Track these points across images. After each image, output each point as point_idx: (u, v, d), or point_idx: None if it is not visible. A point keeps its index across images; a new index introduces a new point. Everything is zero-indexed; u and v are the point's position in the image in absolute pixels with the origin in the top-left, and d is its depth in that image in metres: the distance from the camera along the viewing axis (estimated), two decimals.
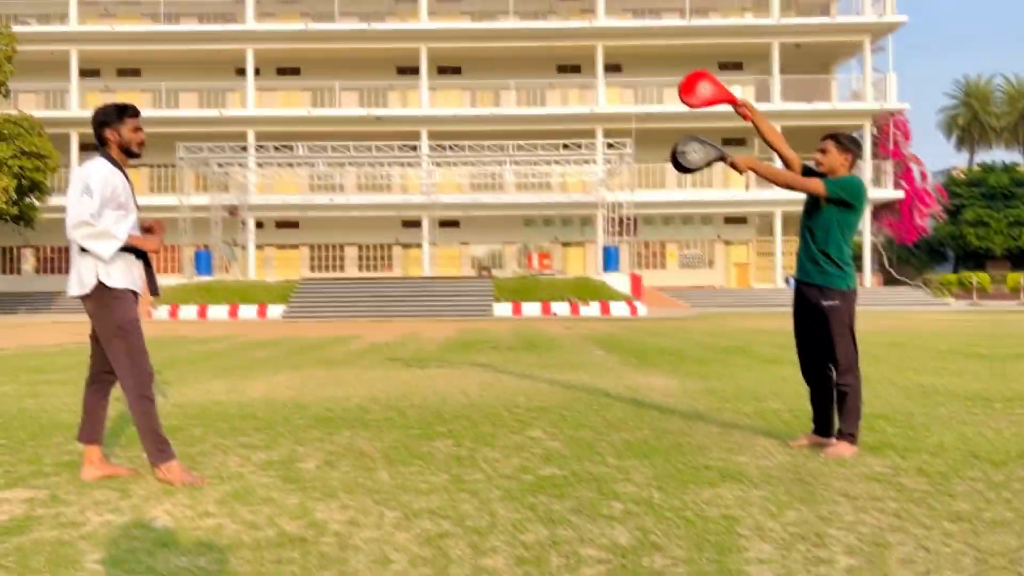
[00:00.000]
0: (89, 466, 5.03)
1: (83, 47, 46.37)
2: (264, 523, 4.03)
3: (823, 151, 5.74)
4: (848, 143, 5.73)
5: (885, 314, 30.53)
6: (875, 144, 47.25)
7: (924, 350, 14.04)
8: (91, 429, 5.09)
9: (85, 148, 46.95)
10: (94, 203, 4.73)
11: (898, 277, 50.78)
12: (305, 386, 9.56)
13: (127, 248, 4.88)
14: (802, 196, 5.79)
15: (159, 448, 4.88)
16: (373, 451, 5.76)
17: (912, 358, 12.46)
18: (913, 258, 61.48)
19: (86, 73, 48.08)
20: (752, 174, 5.96)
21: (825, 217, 5.64)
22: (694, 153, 5.76)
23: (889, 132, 46.51)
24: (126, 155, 5.03)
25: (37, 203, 38.21)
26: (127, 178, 5.01)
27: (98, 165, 4.88)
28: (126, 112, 5.01)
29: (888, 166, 46.51)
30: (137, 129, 5.02)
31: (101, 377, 5.13)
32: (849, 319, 5.61)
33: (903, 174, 46.98)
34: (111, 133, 4.95)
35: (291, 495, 4.56)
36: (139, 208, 5.16)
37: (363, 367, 11.96)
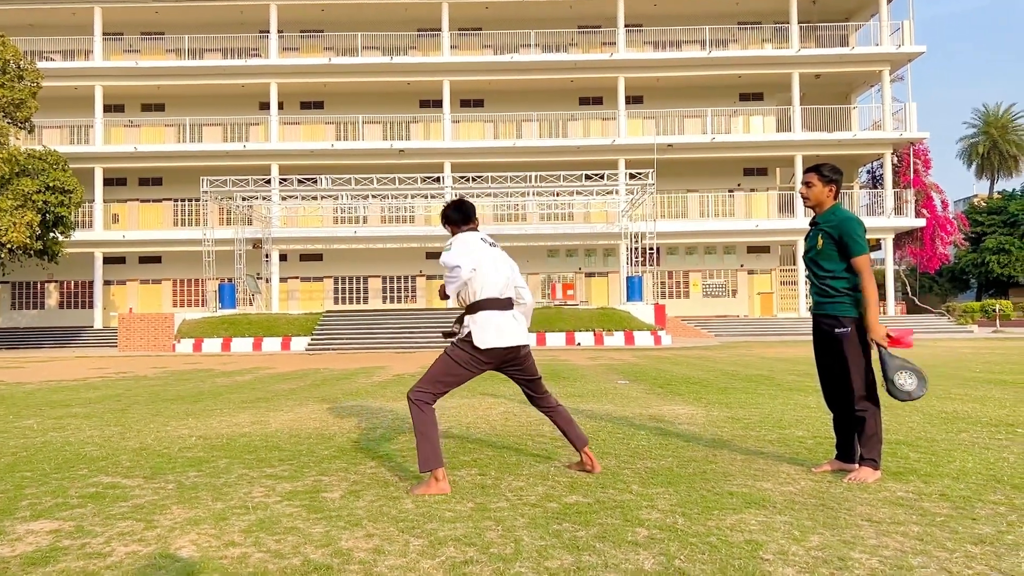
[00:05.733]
0: None
1: (107, 83, 46.87)
2: (290, 552, 4.06)
3: (807, 184, 5.82)
4: (831, 173, 5.79)
5: None
6: (896, 173, 47.23)
7: (947, 377, 13.97)
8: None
9: (109, 183, 47.54)
10: None
11: (921, 305, 50.58)
12: (330, 417, 9.60)
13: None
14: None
15: None
16: (398, 480, 5.80)
17: (935, 385, 12.39)
18: (936, 286, 61.28)
19: (110, 108, 48.72)
20: None
21: (825, 250, 5.69)
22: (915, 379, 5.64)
23: (909, 161, 46.47)
24: None
25: (61, 238, 38.40)
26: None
27: None
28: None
29: (909, 195, 46.38)
30: None
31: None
32: (863, 345, 5.63)
33: (924, 203, 46.92)
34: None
35: (316, 524, 4.60)
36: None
37: (388, 398, 11.99)
